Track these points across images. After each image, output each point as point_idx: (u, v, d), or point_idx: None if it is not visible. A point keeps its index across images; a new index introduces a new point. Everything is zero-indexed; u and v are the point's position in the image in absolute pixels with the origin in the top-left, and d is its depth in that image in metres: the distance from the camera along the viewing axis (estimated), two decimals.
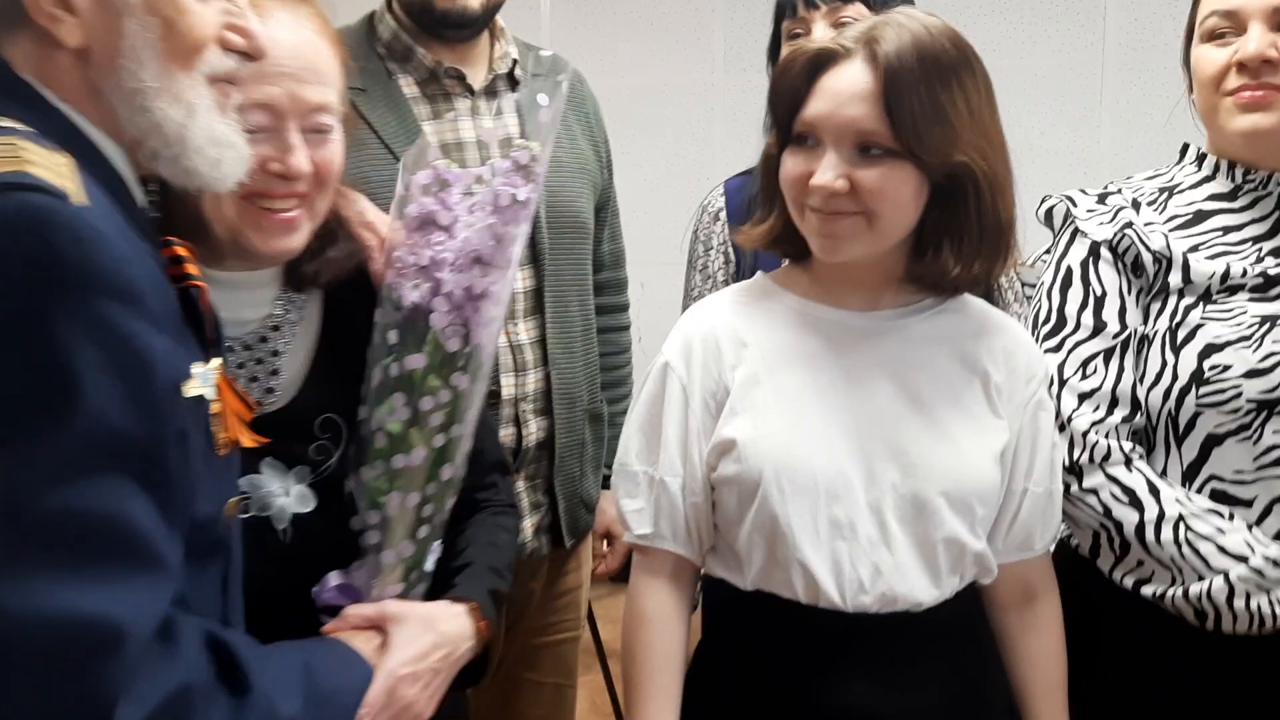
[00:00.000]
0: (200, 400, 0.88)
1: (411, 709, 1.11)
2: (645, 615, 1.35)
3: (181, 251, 0.91)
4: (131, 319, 0.77)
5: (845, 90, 1.21)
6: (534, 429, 1.71)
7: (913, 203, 1.25)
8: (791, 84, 1.25)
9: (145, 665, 0.75)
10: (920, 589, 1.27)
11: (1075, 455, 1.38)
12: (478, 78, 1.72)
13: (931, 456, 1.28)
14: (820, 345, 1.32)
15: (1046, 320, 1.46)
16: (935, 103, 1.21)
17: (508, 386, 1.67)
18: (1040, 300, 1.48)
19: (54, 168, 0.78)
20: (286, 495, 1.16)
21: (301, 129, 1.12)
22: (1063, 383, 1.41)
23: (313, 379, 1.21)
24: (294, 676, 0.92)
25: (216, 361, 0.93)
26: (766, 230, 1.35)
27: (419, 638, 1.13)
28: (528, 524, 1.74)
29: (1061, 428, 1.39)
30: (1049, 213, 1.52)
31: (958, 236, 1.28)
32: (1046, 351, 1.43)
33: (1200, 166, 1.48)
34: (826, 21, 1.70)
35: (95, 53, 0.86)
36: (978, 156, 1.25)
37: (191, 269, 0.90)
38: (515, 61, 1.76)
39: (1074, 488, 1.38)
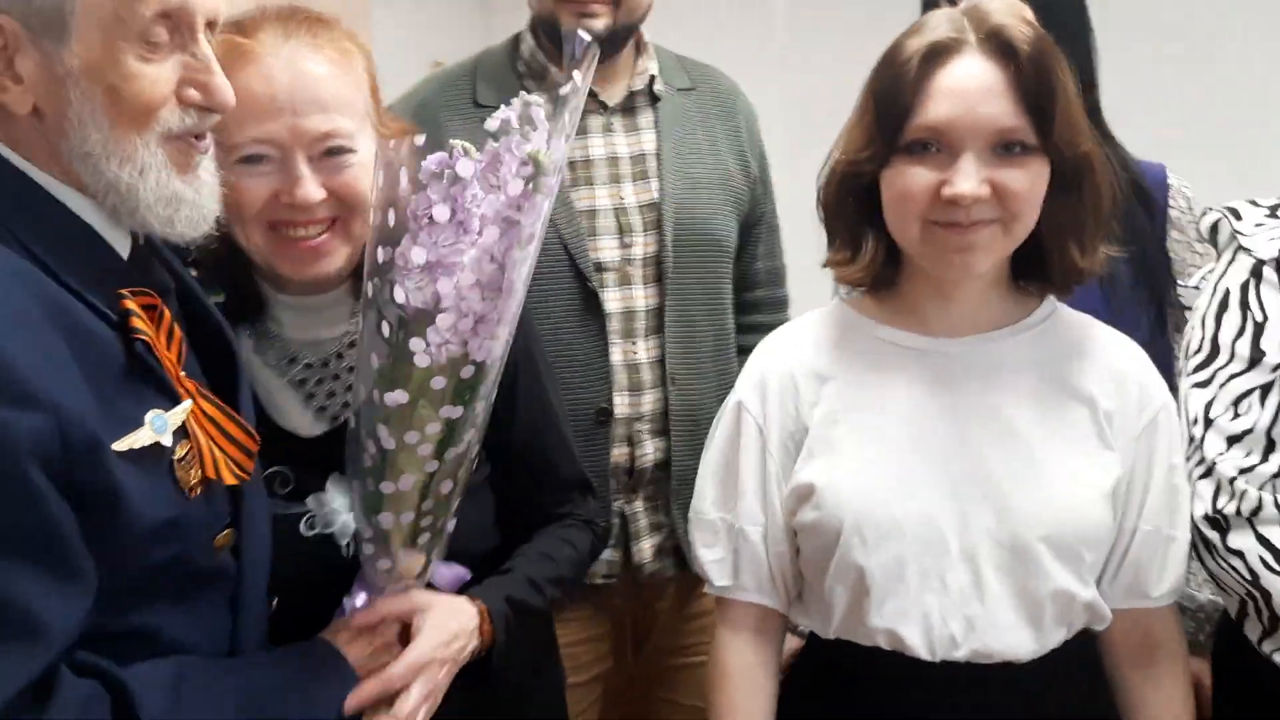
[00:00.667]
0: (156, 448, 0.91)
1: (436, 693, 1.13)
2: (728, 671, 1.30)
3: (130, 305, 0.92)
4: None
5: (976, 86, 1.12)
6: (649, 449, 1.68)
7: (1041, 199, 1.15)
8: (907, 84, 1.14)
9: None
10: (1019, 644, 1.16)
11: (1220, 505, 1.19)
12: (614, 95, 1.72)
13: (1031, 498, 1.16)
14: (906, 377, 1.23)
15: (1198, 350, 1.27)
16: (1065, 90, 1.13)
17: (621, 406, 1.65)
18: (1193, 327, 1.30)
19: None
20: (349, 511, 1.18)
21: (311, 157, 1.13)
22: (1209, 422, 1.22)
23: None
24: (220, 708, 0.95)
25: (184, 406, 0.95)
26: (869, 262, 1.23)
27: (446, 623, 1.15)
28: (647, 545, 1.71)
29: (1208, 473, 1.21)
30: (1213, 228, 1.33)
31: (1078, 229, 1.19)
32: (1194, 386, 1.25)
33: None
34: None
35: (48, 117, 0.90)
36: (1093, 143, 1.17)
37: (137, 323, 0.92)
38: (654, 77, 1.74)
39: (1218, 545, 1.19)
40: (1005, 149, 1.12)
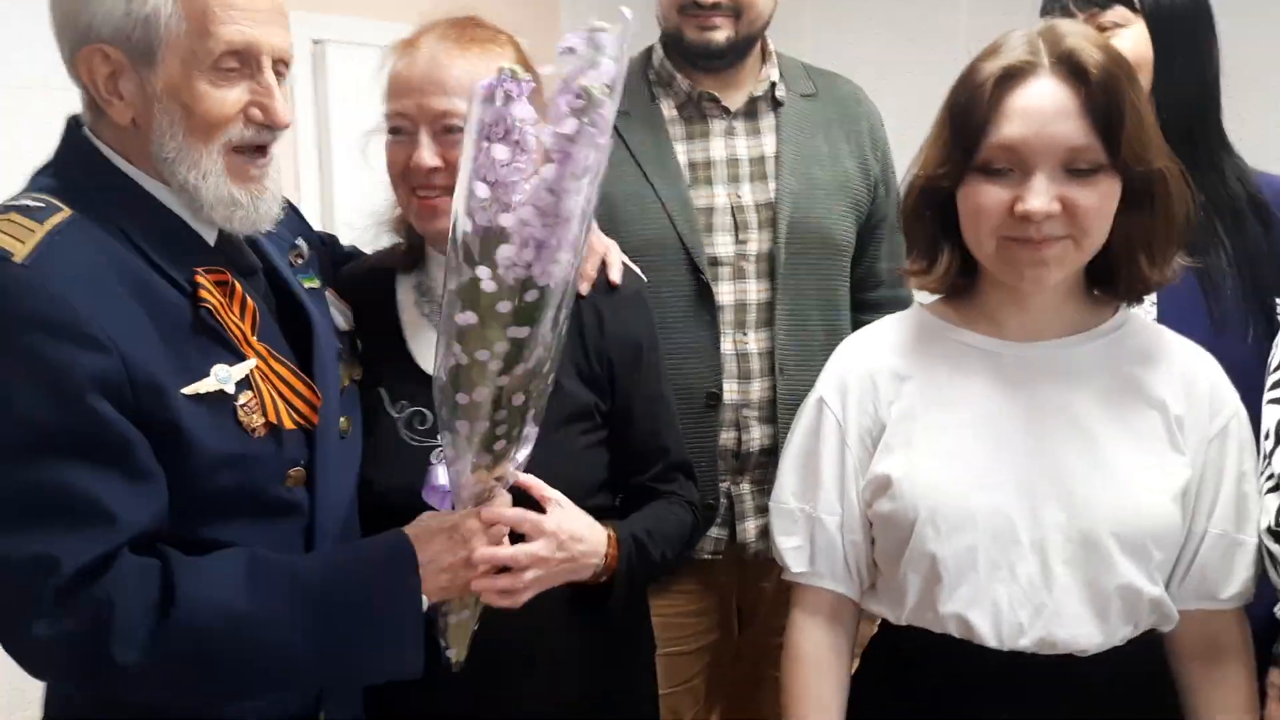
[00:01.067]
0: (220, 394, 1.10)
1: (547, 577, 1.27)
2: (802, 655, 1.37)
3: (201, 279, 1.13)
4: (50, 343, 1.00)
5: (1048, 108, 1.16)
6: (756, 435, 1.78)
7: (1112, 215, 1.20)
8: (979, 105, 1.19)
9: (73, 590, 0.99)
10: (1084, 634, 1.21)
11: None
12: (735, 100, 1.82)
13: (1101, 495, 1.21)
14: (982, 379, 1.28)
15: (1277, 368, 1.29)
16: (1135, 110, 1.17)
17: (730, 392, 1.76)
18: (1276, 345, 1.31)
19: (18, 235, 1.04)
20: None
21: (433, 132, 1.33)
22: (1279, 438, 1.24)
23: None
24: (250, 577, 1.10)
25: (249, 363, 1.14)
26: (945, 272, 1.30)
27: (575, 520, 1.31)
28: (752, 525, 1.81)
29: (1275, 487, 1.23)
30: None
31: (1148, 242, 1.23)
32: (1270, 403, 1.27)
33: None
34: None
35: (142, 128, 1.11)
36: (1168, 160, 1.21)
37: (204, 294, 1.12)
38: (775, 83, 1.83)
39: (1278, 554, 1.21)
40: (1076, 168, 1.16)
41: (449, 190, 1.32)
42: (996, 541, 1.21)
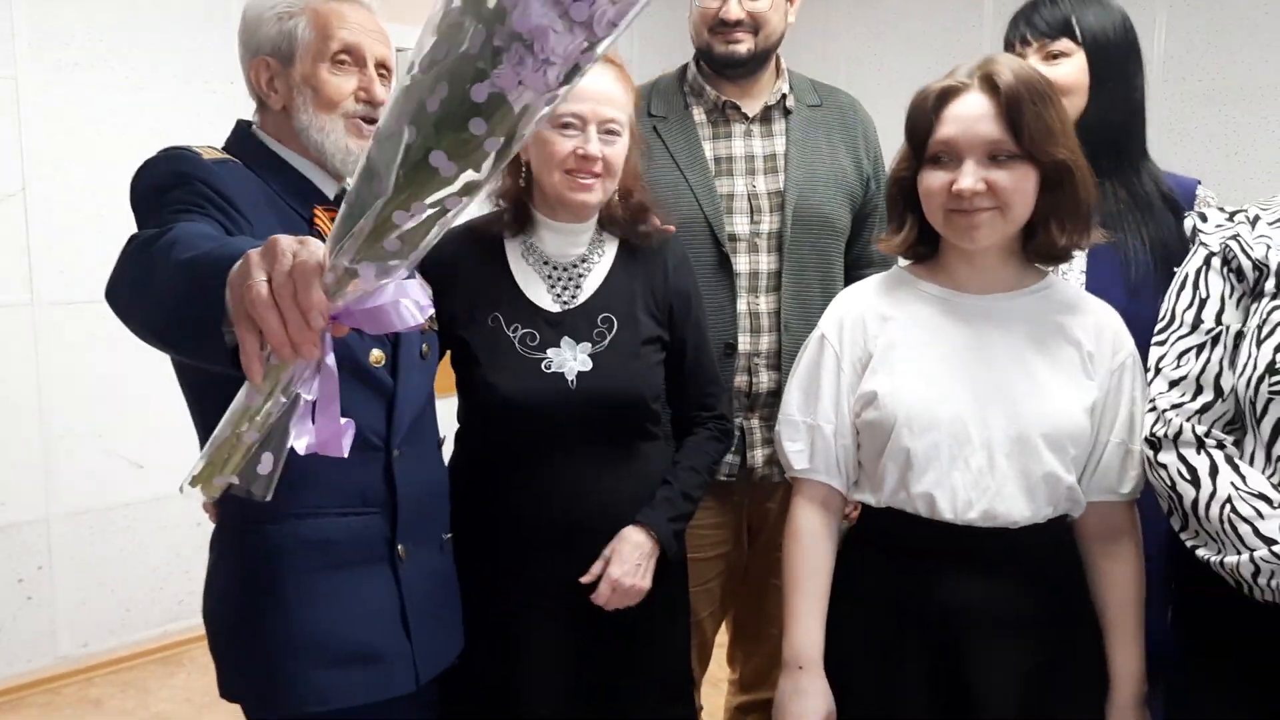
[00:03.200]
0: None
1: (634, 588, 1.80)
2: (801, 533, 1.73)
3: (317, 213, 1.55)
4: (207, 190, 1.39)
5: (973, 114, 1.56)
6: (764, 379, 2.17)
7: (1031, 193, 1.58)
8: (925, 115, 1.60)
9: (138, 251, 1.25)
10: (1017, 510, 1.58)
11: (1154, 430, 1.59)
12: (752, 108, 2.22)
13: (1033, 406, 1.59)
14: (947, 319, 1.66)
15: (1163, 318, 1.67)
16: (1035, 113, 1.55)
17: (743, 344, 2.15)
18: (1164, 302, 1.70)
19: (209, 153, 1.47)
20: (575, 360, 1.79)
21: (600, 132, 1.76)
22: (1158, 370, 1.62)
23: (601, 292, 1.86)
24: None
25: None
26: (904, 238, 1.70)
27: (624, 549, 1.80)
28: (759, 454, 2.20)
29: (1153, 407, 1.61)
30: (1193, 228, 1.71)
31: (1061, 216, 1.60)
32: (1154, 344, 1.64)
33: None
34: (1039, 55, 1.96)
35: (289, 111, 1.58)
36: (1071, 154, 1.58)
37: (318, 223, 1.54)
38: (785, 95, 2.23)
39: (1152, 459, 1.60)
40: (997, 157, 1.55)
41: (599, 176, 1.77)
42: (955, 439, 1.58)
